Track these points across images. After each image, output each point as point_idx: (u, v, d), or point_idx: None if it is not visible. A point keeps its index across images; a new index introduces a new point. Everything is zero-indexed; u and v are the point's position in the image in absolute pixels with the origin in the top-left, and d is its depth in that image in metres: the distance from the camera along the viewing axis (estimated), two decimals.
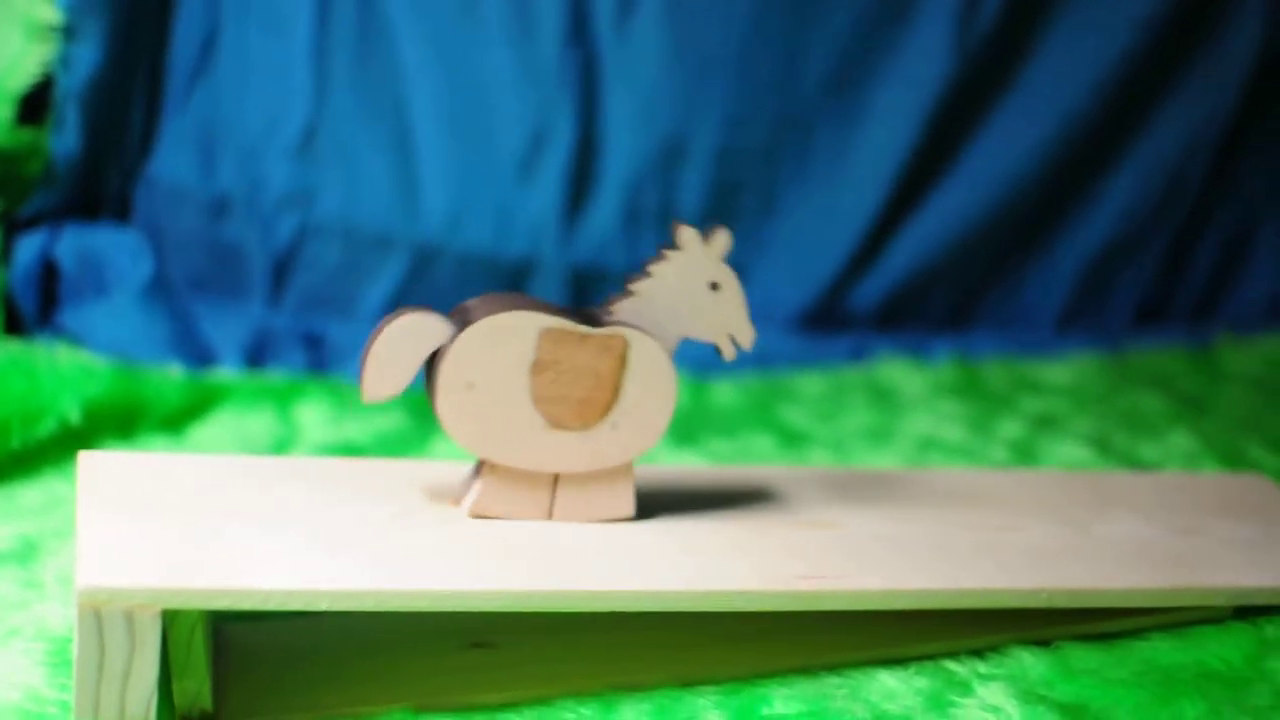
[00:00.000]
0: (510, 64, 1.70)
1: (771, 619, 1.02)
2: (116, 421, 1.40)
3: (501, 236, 1.72)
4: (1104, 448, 1.51)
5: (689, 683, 0.98)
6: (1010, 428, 1.56)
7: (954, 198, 1.84)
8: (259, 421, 1.45)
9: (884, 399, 1.63)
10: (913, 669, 1.01)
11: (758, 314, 1.09)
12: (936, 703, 0.97)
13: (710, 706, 0.95)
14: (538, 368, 0.98)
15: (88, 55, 1.60)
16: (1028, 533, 1.10)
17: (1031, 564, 1.05)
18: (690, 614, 0.98)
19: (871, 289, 1.82)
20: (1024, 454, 1.49)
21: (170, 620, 0.88)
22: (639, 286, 1.00)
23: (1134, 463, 1.48)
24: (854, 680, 1.00)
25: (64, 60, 1.59)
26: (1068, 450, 1.49)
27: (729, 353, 1.02)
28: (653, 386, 1.01)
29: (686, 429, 1.51)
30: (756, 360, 1.65)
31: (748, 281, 1.78)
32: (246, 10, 1.68)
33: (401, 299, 1.72)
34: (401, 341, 0.96)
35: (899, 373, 1.70)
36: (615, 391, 1.00)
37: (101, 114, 1.63)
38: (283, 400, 1.50)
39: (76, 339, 1.56)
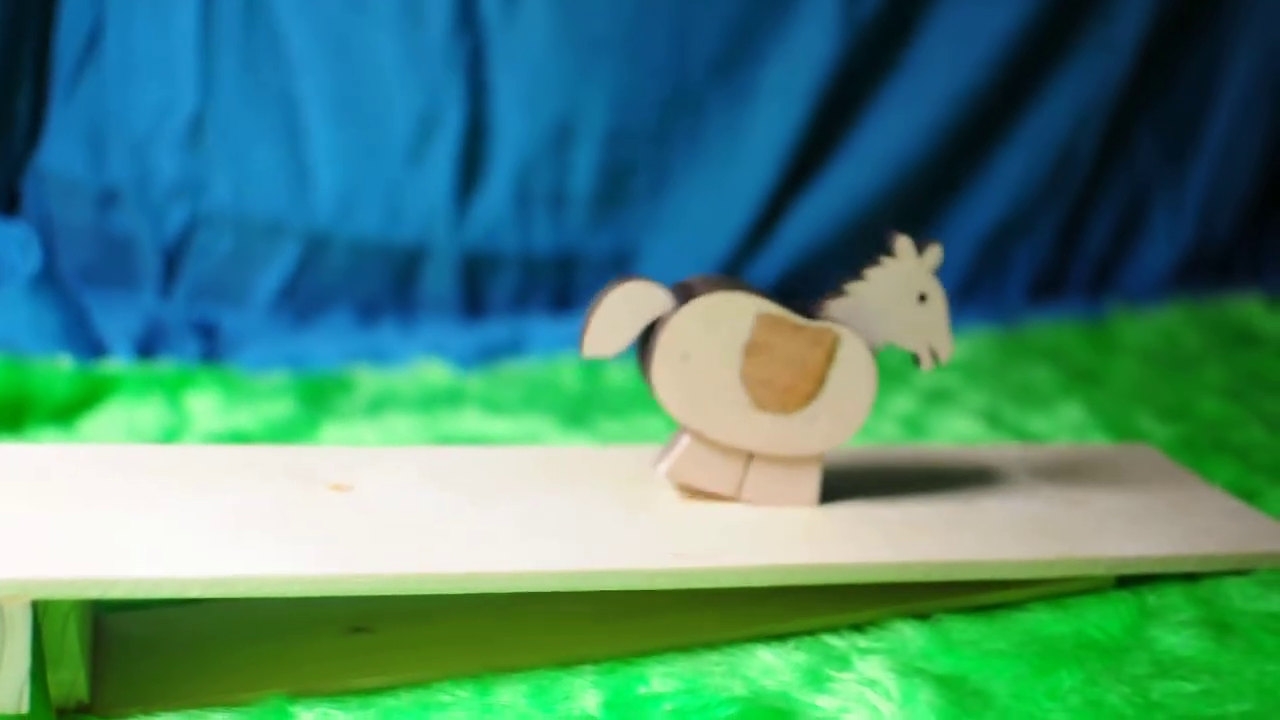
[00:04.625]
0: (398, 49, 1.69)
1: (649, 598, 1.02)
2: (5, 414, 1.39)
3: (393, 222, 1.72)
4: (994, 421, 1.52)
5: (566, 663, 0.98)
6: (901, 403, 1.56)
7: (846, 175, 1.85)
8: (149, 412, 1.44)
9: None
10: (792, 644, 1.02)
11: None
12: (814, 677, 0.97)
13: (587, 686, 0.95)
14: (751, 349, 1.03)
15: None
16: (908, 507, 1.11)
17: (910, 537, 1.05)
18: (566, 595, 0.98)
19: (765, 268, 1.83)
20: (914, 429, 1.50)
21: (43, 610, 0.87)
22: (853, 288, 1.05)
23: (1023, 435, 1.49)
24: (733, 657, 1.00)
25: None
26: (957, 424, 1.50)
27: (927, 363, 1.07)
28: (855, 383, 1.05)
29: (578, 409, 1.51)
30: None
31: (640, 262, 1.82)
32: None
33: (293, 287, 1.71)
34: (625, 306, 1.02)
35: None
36: (819, 383, 1.04)
37: None
38: (173, 390, 1.49)
39: None
